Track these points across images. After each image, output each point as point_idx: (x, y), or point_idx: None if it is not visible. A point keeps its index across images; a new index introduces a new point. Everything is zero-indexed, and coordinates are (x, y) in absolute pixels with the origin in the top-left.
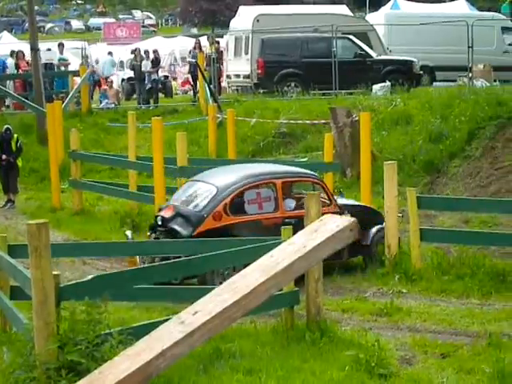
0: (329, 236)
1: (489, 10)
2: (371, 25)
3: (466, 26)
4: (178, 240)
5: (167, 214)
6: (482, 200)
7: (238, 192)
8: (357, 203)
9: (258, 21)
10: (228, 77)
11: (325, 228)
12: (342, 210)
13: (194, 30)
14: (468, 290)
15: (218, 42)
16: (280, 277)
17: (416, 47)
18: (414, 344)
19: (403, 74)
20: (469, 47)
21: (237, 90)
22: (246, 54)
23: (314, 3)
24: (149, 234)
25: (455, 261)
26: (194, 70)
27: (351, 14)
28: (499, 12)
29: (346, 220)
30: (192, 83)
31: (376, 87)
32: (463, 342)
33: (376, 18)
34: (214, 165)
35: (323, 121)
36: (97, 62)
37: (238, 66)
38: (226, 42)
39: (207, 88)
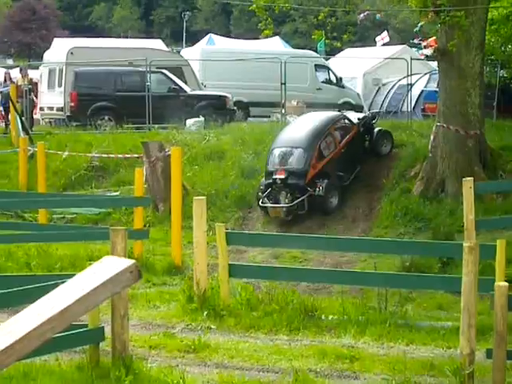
0: (107, 279)
1: (304, 48)
2: (186, 60)
3: (280, 63)
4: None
5: (281, 175)
6: (289, 236)
7: (318, 146)
8: None
9: (72, 53)
10: (41, 109)
11: (104, 270)
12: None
13: (10, 61)
14: (276, 326)
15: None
16: (56, 321)
17: (231, 83)
18: (220, 381)
19: (217, 109)
20: (282, 84)
21: (50, 122)
22: (60, 86)
23: (129, 37)
24: (264, 189)
25: (264, 297)
26: (5, 101)
27: (166, 48)
28: (315, 50)
29: (126, 262)
30: (4, 115)
31: (190, 122)
32: (270, 379)
33: (191, 53)
34: (24, 198)
35: (136, 155)
36: None
37: (52, 99)
38: (40, 73)
39: (19, 120)
